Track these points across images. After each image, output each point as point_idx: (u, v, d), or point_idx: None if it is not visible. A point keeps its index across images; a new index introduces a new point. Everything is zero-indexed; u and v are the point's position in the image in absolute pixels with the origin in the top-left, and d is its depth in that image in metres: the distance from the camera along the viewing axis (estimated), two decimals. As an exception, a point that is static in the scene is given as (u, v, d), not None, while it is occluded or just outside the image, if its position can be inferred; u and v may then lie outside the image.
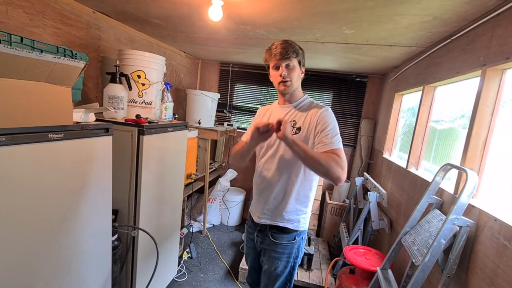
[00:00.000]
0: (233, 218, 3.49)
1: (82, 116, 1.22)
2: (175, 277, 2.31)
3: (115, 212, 1.57)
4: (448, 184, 1.54)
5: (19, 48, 0.88)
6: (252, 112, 3.73)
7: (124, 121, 1.59)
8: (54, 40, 1.63)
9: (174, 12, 1.77)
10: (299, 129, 1.25)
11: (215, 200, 3.33)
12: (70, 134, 1.07)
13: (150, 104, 1.83)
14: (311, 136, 1.22)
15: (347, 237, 2.55)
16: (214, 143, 3.73)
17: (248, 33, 2.08)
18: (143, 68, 1.75)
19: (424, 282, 1.22)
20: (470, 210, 1.23)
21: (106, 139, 1.28)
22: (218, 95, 3.21)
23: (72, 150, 1.10)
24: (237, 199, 3.45)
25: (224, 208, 3.44)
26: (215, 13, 1.52)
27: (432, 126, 2.01)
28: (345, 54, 2.40)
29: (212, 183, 3.37)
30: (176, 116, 2.12)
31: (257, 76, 3.59)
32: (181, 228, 2.49)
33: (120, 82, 1.68)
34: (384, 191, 2.22)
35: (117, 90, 1.64)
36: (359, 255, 1.97)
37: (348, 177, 3.45)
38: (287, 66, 1.22)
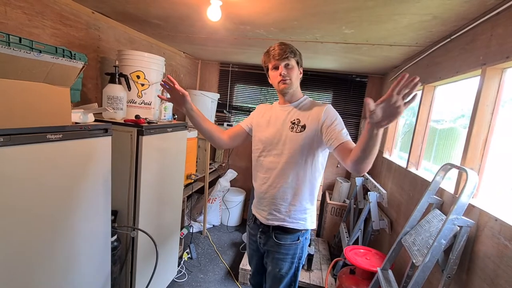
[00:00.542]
0: (233, 219, 3.48)
1: (81, 116, 1.22)
2: (175, 278, 2.30)
3: (114, 212, 1.56)
4: (448, 184, 1.53)
5: (17, 48, 0.88)
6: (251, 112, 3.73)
7: (123, 122, 1.59)
8: (53, 40, 1.63)
9: (173, 12, 1.77)
10: (304, 127, 1.25)
11: (215, 200, 3.33)
12: (69, 135, 1.07)
13: (150, 104, 1.83)
14: (317, 132, 1.22)
15: (347, 237, 2.54)
16: (214, 143, 3.72)
17: (248, 33, 2.07)
18: (142, 68, 1.75)
19: (424, 282, 1.22)
20: (470, 210, 1.22)
21: (105, 139, 1.28)
22: (218, 95, 3.21)
23: (71, 151, 1.10)
24: (237, 199, 3.45)
25: (224, 208, 3.44)
26: (213, 13, 1.52)
27: (432, 126, 2.00)
28: (345, 54, 2.40)
29: (212, 184, 3.36)
30: (176, 116, 2.11)
31: (257, 76, 3.59)
32: (181, 229, 2.49)
33: (120, 83, 1.68)
34: (384, 191, 2.21)
35: (116, 90, 1.64)
36: (360, 256, 1.97)
37: (348, 177, 3.44)
38: (286, 65, 1.24)
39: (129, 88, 1.73)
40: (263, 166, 1.34)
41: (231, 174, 3.45)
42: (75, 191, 1.15)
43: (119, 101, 1.64)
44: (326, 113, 1.22)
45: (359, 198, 2.66)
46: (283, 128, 1.29)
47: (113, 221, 1.50)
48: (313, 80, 3.42)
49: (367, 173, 2.95)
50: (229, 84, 3.69)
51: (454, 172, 1.46)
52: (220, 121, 3.61)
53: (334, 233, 3.02)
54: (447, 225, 1.17)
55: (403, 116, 2.66)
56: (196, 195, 3.41)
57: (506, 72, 1.24)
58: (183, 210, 2.56)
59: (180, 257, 2.52)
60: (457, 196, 1.20)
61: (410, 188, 1.95)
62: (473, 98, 1.34)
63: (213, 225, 3.42)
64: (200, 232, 3.17)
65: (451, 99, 1.87)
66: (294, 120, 1.28)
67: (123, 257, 1.67)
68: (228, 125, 3.46)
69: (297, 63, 1.27)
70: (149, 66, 1.78)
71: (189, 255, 2.63)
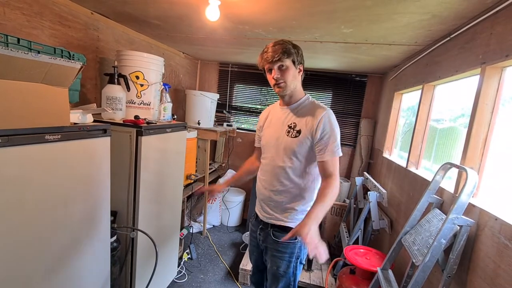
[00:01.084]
0: (233, 219, 3.48)
1: (80, 117, 1.22)
2: (175, 278, 2.30)
3: (113, 213, 1.56)
4: (448, 183, 1.53)
5: (15, 49, 0.88)
6: (251, 112, 3.73)
7: (122, 122, 1.59)
8: (52, 41, 1.63)
9: (172, 12, 1.77)
10: (299, 132, 1.24)
11: (215, 200, 3.33)
12: (68, 135, 1.07)
13: (149, 105, 1.83)
14: (309, 140, 1.22)
15: (347, 237, 2.54)
16: (214, 143, 3.72)
17: (247, 33, 2.07)
18: (142, 68, 1.75)
19: (424, 282, 1.22)
20: (470, 209, 1.22)
21: (104, 140, 1.27)
22: (217, 96, 3.20)
23: (70, 151, 1.10)
24: (237, 199, 3.44)
25: (224, 208, 3.43)
26: (212, 13, 1.51)
27: (432, 126, 2.00)
28: (344, 53, 2.40)
29: (212, 184, 3.36)
30: (175, 116, 2.11)
31: (257, 76, 3.59)
32: (181, 229, 2.48)
33: (119, 83, 1.68)
34: (384, 191, 2.21)
35: (115, 91, 1.63)
36: (360, 255, 1.96)
37: (348, 177, 3.44)
38: (280, 67, 1.20)
39: (128, 88, 1.73)
40: (263, 167, 1.36)
41: (231, 174, 3.45)
42: (74, 192, 1.14)
43: (118, 102, 1.64)
44: (320, 123, 1.19)
45: (359, 197, 2.65)
46: (281, 131, 1.29)
47: (112, 222, 1.50)
48: (313, 79, 3.42)
49: (367, 172, 2.95)
50: (229, 84, 3.69)
51: (454, 172, 1.46)
52: (219, 121, 3.61)
53: (334, 233, 3.01)
54: (447, 224, 1.17)
55: (403, 116, 2.66)
56: (196, 196, 3.41)
57: (505, 70, 1.23)
58: (183, 211, 2.55)
59: (180, 258, 2.52)
60: (457, 195, 1.20)
61: (410, 187, 1.94)
62: (473, 97, 1.34)
63: (213, 226, 3.41)
64: (200, 233, 3.16)
65: (451, 98, 1.87)
66: (291, 124, 1.27)
67: (122, 258, 1.66)
68: (227, 125, 3.46)
69: (293, 62, 1.21)
70: (148, 66, 1.77)
71: (189, 256, 2.63)
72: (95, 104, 1.46)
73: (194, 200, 3.40)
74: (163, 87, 1.93)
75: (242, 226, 3.51)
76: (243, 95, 3.72)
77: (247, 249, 2.70)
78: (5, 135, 0.86)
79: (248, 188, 3.64)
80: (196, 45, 2.73)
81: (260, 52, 1.26)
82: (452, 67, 1.59)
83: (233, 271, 2.52)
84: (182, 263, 2.50)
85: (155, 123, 1.70)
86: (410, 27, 1.60)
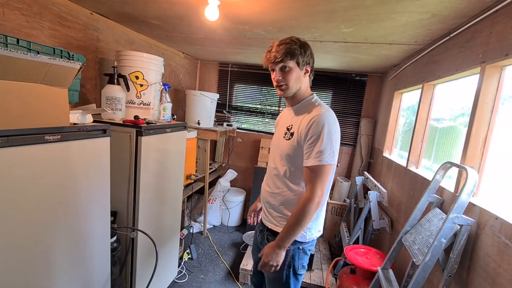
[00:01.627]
0: (233, 219, 3.48)
1: (79, 117, 1.22)
2: (175, 278, 2.30)
3: (114, 213, 1.56)
4: (448, 183, 1.53)
5: (14, 49, 0.88)
6: (251, 112, 3.72)
7: (122, 122, 1.59)
8: (52, 41, 1.63)
9: (172, 12, 1.77)
10: (292, 134, 1.19)
11: (215, 200, 3.33)
12: (67, 136, 1.07)
13: (149, 105, 1.83)
14: (299, 144, 1.16)
15: (347, 236, 2.54)
16: (214, 143, 3.72)
17: (246, 32, 2.07)
18: (141, 69, 1.75)
19: (425, 281, 1.22)
20: (470, 208, 1.22)
21: (104, 140, 1.27)
22: (217, 96, 3.20)
23: (69, 152, 1.10)
24: (237, 199, 3.44)
25: (224, 208, 3.43)
26: (211, 13, 1.51)
27: (432, 125, 2.00)
28: (344, 53, 2.39)
29: (212, 184, 3.36)
30: (175, 116, 2.11)
31: (257, 76, 3.58)
32: (181, 229, 2.48)
33: (118, 83, 1.68)
34: (384, 190, 2.21)
35: (115, 91, 1.63)
36: (360, 255, 1.96)
37: (349, 176, 3.44)
38: (283, 68, 1.15)
39: (128, 88, 1.73)
40: (267, 169, 1.36)
41: (231, 174, 3.45)
42: (74, 192, 1.14)
43: (118, 102, 1.64)
44: (310, 125, 1.11)
45: (360, 197, 2.65)
46: (281, 134, 1.27)
47: (112, 222, 1.50)
48: (312, 79, 3.41)
49: (367, 172, 2.95)
50: (229, 84, 3.68)
51: (454, 171, 1.46)
52: (219, 121, 3.60)
53: (334, 232, 3.01)
54: (447, 224, 1.17)
55: (403, 115, 2.66)
56: (196, 196, 3.41)
57: (505, 69, 1.23)
58: (183, 211, 2.56)
59: (181, 258, 2.52)
60: (457, 194, 1.20)
61: (410, 187, 1.94)
62: (473, 96, 1.34)
63: (214, 226, 3.41)
64: (201, 233, 3.16)
65: (451, 97, 1.87)
66: (289, 125, 1.23)
67: (122, 258, 1.66)
68: (227, 125, 3.46)
69: (298, 64, 1.15)
70: (148, 66, 1.77)
71: (190, 256, 2.63)
72: (94, 105, 1.46)
73: (194, 200, 3.40)
74: (162, 87, 1.93)
75: (243, 226, 3.50)
76: (243, 95, 3.72)
77: (249, 248, 2.71)
78: (5, 136, 0.86)
79: (248, 188, 3.64)
80: (195, 45, 2.73)
81: (264, 51, 1.22)
82: (452, 66, 1.58)
83: (234, 271, 2.52)
84: (182, 263, 2.50)
85: (155, 123, 1.70)
86: (410, 26, 1.60)
